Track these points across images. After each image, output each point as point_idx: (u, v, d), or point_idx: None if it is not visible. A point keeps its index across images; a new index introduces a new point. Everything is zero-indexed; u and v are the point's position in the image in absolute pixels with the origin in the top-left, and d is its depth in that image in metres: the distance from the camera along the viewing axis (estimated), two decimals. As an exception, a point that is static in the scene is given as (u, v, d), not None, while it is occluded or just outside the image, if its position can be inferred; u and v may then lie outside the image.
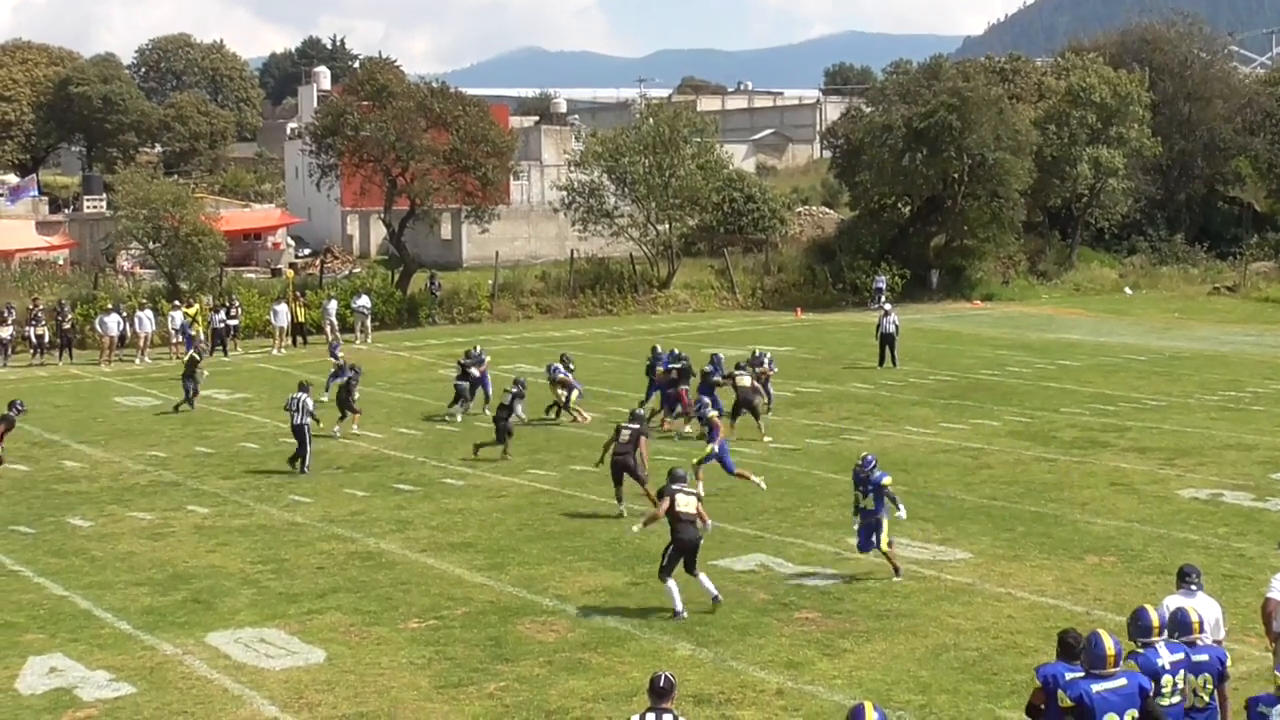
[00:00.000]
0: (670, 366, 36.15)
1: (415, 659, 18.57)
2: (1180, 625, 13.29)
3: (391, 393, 42.49)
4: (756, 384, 34.84)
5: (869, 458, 22.07)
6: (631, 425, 24.72)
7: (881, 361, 45.95)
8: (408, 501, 27.99)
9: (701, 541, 20.56)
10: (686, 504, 20.30)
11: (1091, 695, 11.96)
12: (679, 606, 19.89)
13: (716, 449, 27.86)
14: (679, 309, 66.15)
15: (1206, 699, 13.12)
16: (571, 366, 37.85)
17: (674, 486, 20.54)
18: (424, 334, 58.04)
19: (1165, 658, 12.84)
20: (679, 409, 35.78)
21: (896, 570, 21.74)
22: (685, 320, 62.99)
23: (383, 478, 30.23)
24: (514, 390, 33.53)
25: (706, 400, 32.31)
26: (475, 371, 38.07)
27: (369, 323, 56.18)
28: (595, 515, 26.51)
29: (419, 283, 63.64)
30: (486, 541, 24.64)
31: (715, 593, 20.34)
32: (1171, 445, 32.77)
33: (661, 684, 12.28)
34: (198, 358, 41.65)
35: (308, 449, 30.98)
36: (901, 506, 21.95)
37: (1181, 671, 12.86)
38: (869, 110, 74.35)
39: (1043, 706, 12.48)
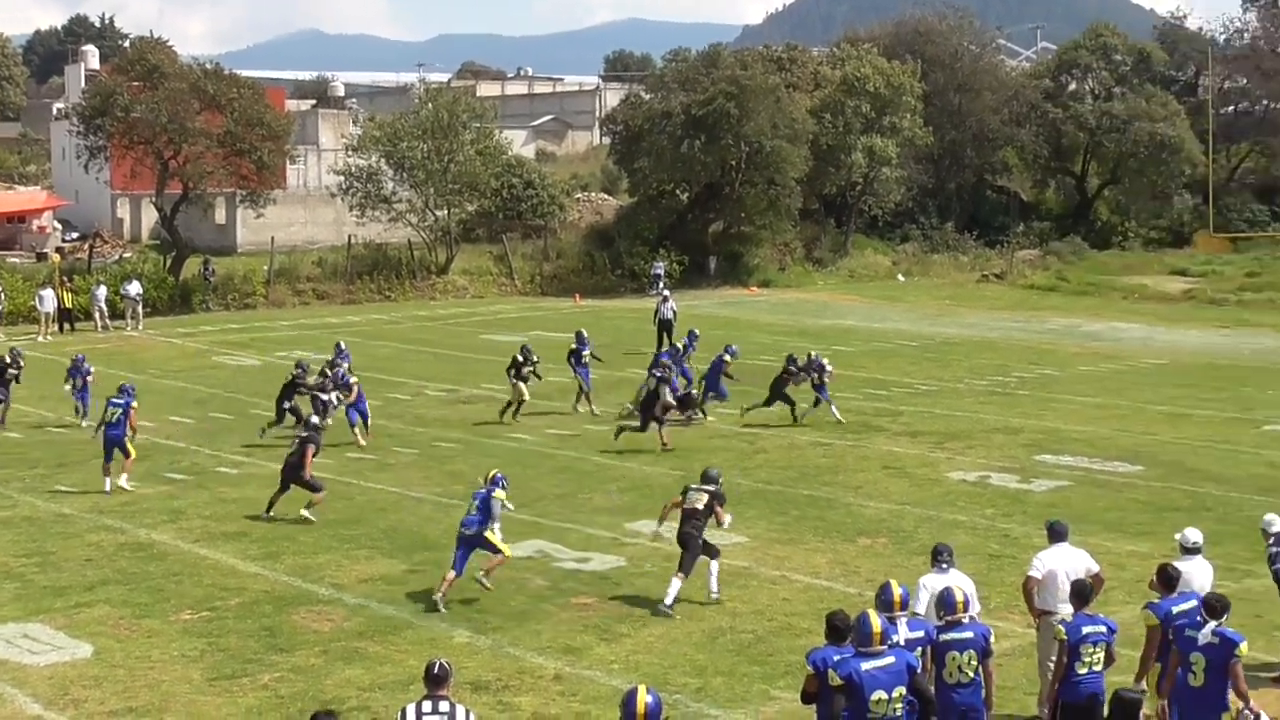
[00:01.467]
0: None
1: (187, 651, 18.25)
2: (946, 605, 13.60)
3: (164, 380, 41.64)
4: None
5: None
6: (706, 488, 22.26)
7: (660, 347, 46.17)
8: (180, 491, 27.47)
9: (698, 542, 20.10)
10: (695, 500, 20.26)
11: (860, 673, 12.15)
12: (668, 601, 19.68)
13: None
14: (458, 295, 65.83)
15: (971, 674, 13.44)
16: (535, 359, 35.58)
17: (692, 485, 20.70)
18: (198, 320, 57.01)
19: (903, 635, 13.11)
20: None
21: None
22: (464, 306, 62.74)
23: (154, 467, 29.56)
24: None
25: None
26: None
27: (140, 309, 54.90)
28: (373, 502, 26.32)
29: (192, 268, 62.44)
30: (261, 530, 24.29)
31: (714, 593, 20.18)
32: (942, 429, 33.47)
33: (436, 671, 12.08)
34: None
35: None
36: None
37: (919, 649, 13.16)
38: (648, 97, 74.63)
39: (813, 691, 12.66)
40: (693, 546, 19.85)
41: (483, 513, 20.10)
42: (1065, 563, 15.75)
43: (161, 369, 43.97)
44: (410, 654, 17.79)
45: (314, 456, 25.17)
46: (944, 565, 15.25)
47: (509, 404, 34.78)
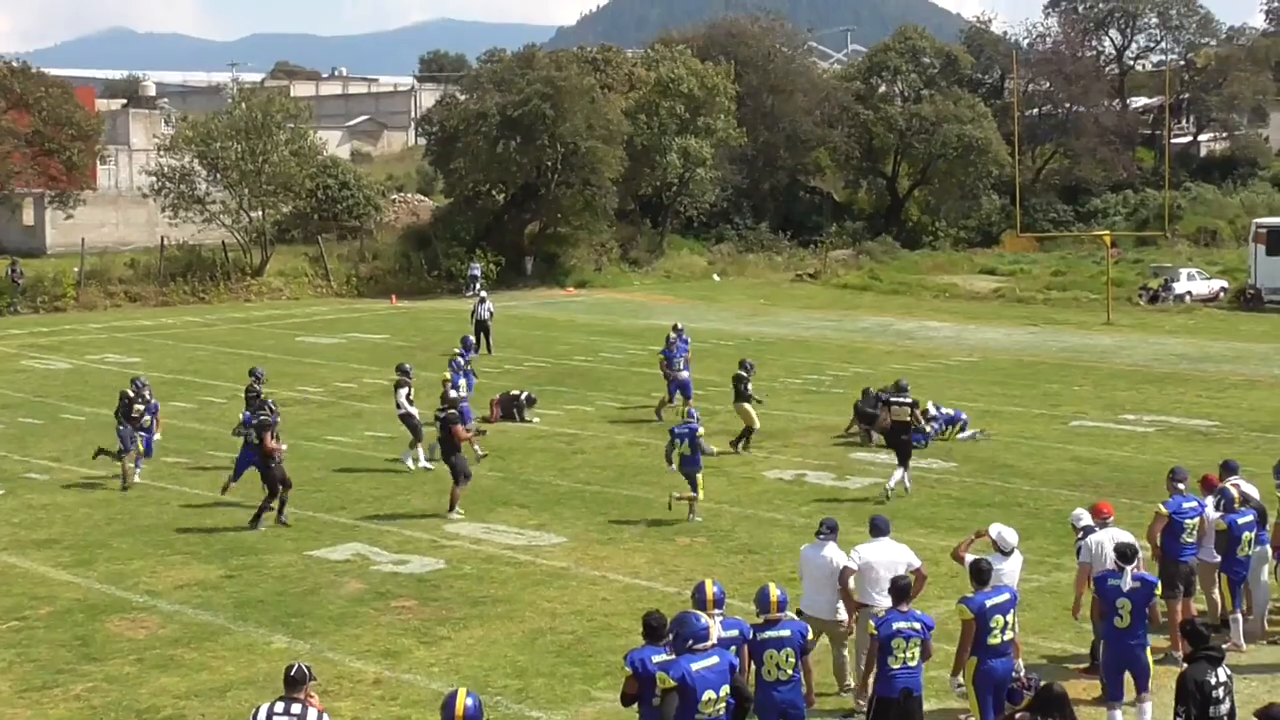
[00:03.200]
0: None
1: (-4, 662, 17.83)
2: (760, 603, 13.74)
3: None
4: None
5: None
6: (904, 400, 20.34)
7: (476, 348, 46.00)
8: (-13, 498, 26.83)
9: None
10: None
11: (692, 674, 12.15)
12: None
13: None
14: (273, 297, 65.08)
15: (790, 672, 13.54)
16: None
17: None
18: (5, 323, 55.64)
19: (716, 633, 13.09)
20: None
21: None
22: (280, 308, 62.02)
23: (-40, 474, 28.89)
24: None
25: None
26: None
27: None
28: (189, 506, 25.89)
29: (0, 269, 61.09)
30: (73, 537, 23.77)
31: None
32: (758, 428, 33.68)
33: (294, 673, 12.04)
34: None
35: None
36: None
37: (734, 647, 13.23)
38: (463, 98, 74.41)
39: (633, 693, 12.63)
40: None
41: None
42: (884, 556, 16.03)
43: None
44: (227, 660, 17.53)
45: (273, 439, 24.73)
46: (824, 536, 16.35)
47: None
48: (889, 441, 27.35)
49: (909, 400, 26.77)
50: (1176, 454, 29.60)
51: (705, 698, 12.15)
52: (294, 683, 11.93)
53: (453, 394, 26.80)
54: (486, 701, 11.70)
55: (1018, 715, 12.87)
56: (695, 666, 12.18)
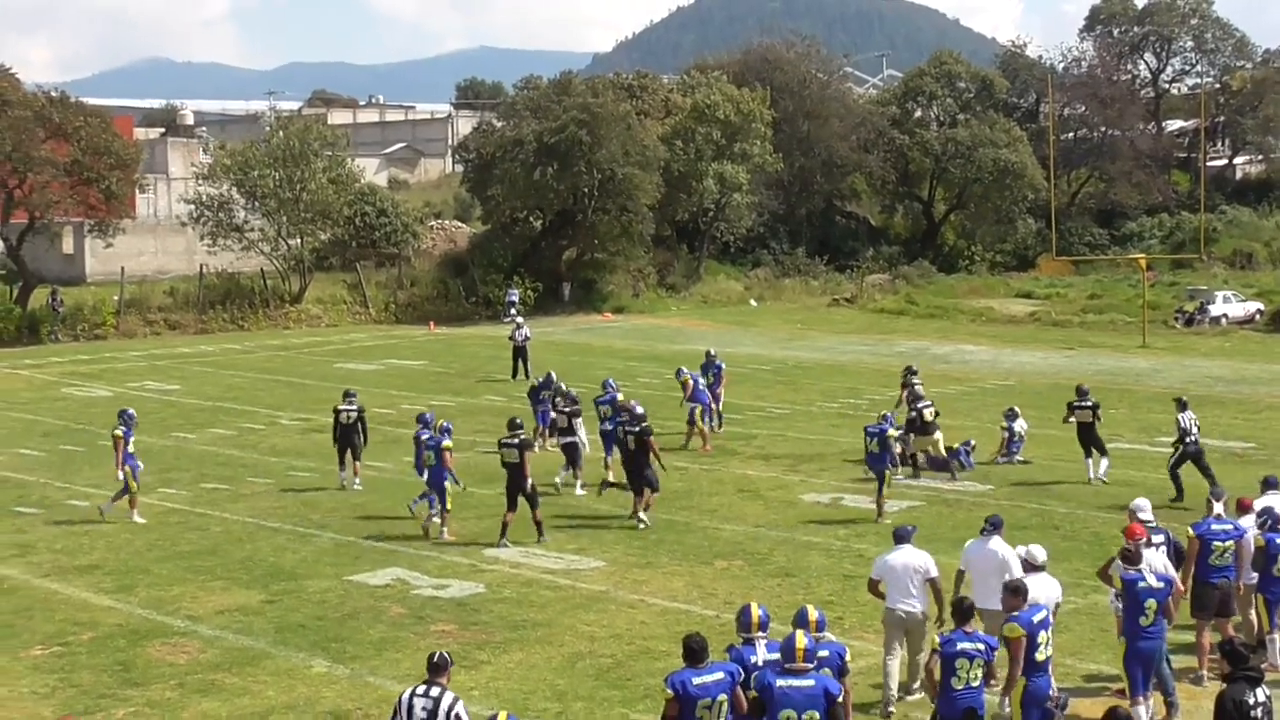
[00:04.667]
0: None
1: (38, 688, 17.90)
2: (785, 653, 13.72)
3: (11, 413, 40.85)
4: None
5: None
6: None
7: (515, 374, 46.09)
8: (29, 525, 26.91)
9: None
10: None
11: (775, 688, 12.44)
12: None
13: None
14: (311, 324, 65.28)
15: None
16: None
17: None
18: (46, 351, 55.99)
19: (761, 655, 13.19)
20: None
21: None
22: (318, 335, 62.19)
23: (2, 500, 29.03)
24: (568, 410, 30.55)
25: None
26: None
27: None
28: (228, 533, 25.99)
29: (40, 298, 61.40)
30: (114, 563, 23.89)
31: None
32: (795, 452, 33.69)
33: (435, 660, 12.89)
34: None
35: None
36: None
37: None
38: (500, 125, 74.64)
39: (674, 715, 12.64)
40: None
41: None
42: (905, 560, 16.89)
43: (8, 401, 43.13)
44: (268, 684, 17.60)
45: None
46: (988, 531, 17.48)
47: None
48: (1081, 440, 30.09)
49: (1091, 403, 29.77)
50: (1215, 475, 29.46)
51: (784, 714, 12.43)
52: (437, 668, 12.86)
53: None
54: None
55: None
56: (780, 684, 12.49)
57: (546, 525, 24.96)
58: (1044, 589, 16.05)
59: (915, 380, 33.21)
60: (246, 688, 17.79)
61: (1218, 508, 18.40)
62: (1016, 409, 33.45)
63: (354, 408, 30.05)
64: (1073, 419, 30.30)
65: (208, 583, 22.62)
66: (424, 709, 12.52)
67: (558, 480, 29.54)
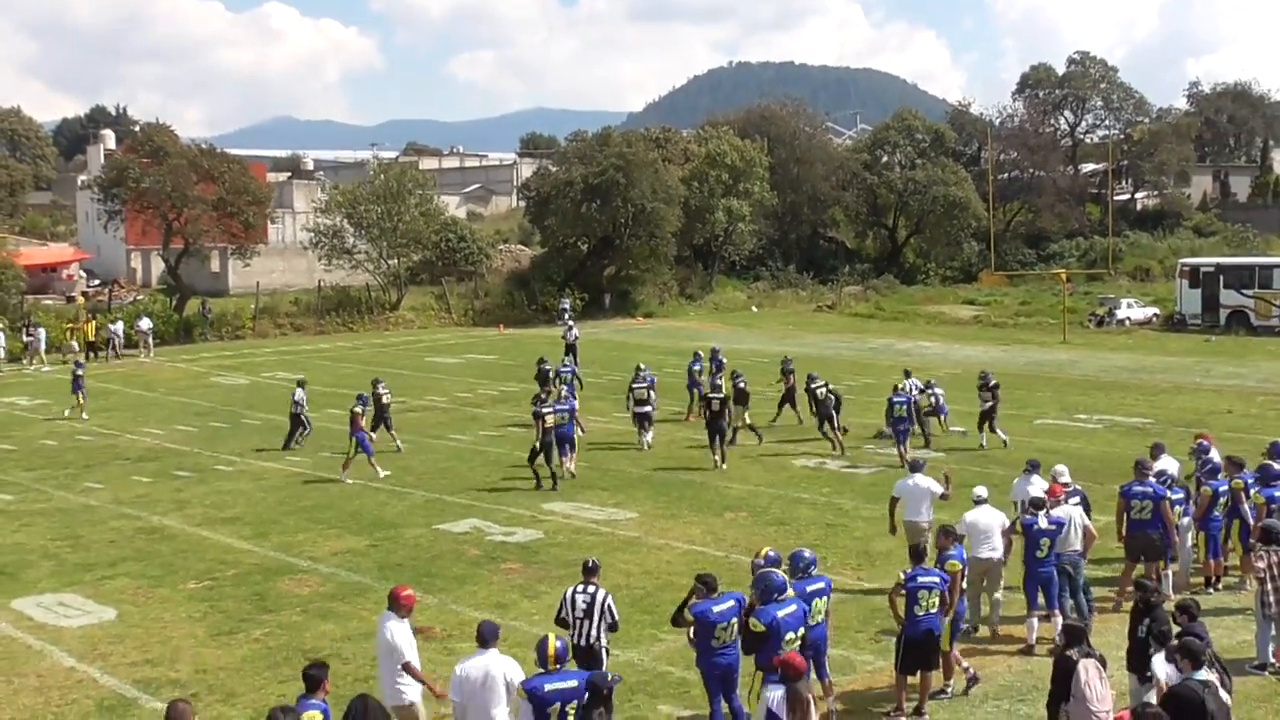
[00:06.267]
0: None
1: (193, 613, 17.98)
2: (795, 563, 13.76)
3: (171, 397, 41.01)
4: None
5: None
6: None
7: (565, 360, 45.87)
8: (185, 485, 27.03)
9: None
10: None
11: (778, 620, 12.49)
12: None
13: None
14: (406, 327, 65.32)
15: (821, 618, 13.55)
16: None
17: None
18: (198, 349, 56.14)
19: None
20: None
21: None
22: (411, 335, 62.22)
23: (164, 466, 29.14)
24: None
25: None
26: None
27: (151, 340, 53.91)
28: (341, 492, 26.02)
29: (193, 307, 61.60)
30: (252, 516, 23.98)
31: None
32: (787, 427, 33.58)
33: (590, 564, 13.55)
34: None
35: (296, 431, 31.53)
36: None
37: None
38: (554, 169, 74.48)
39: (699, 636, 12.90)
40: None
41: None
42: (989, 518, 16.96)
43: (169, 388, 43.29)
44: (373, 611, 17.52)
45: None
46: (1028, 471, 18.86)
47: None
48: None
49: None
50: (1120, 445, 29.35)
51: (788, 637, 12.40)
52: (591, 570, 13.49)
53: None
54: (570, 642, 11.88)
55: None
56: (781, 614, 12.46)
57: (595, 485, 24.94)
58: (994, 517, 16.77)
59: (818, 384, 31.89)
60: (356, 613, 17.82)
61: (1148, 472, 18.34)
62: (932, 381, 33.36)
63: (387, 391, 31.51)
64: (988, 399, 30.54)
65: (325, 531, 22.69)
66: (583, 602, 13.16)
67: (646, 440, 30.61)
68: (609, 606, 13.24)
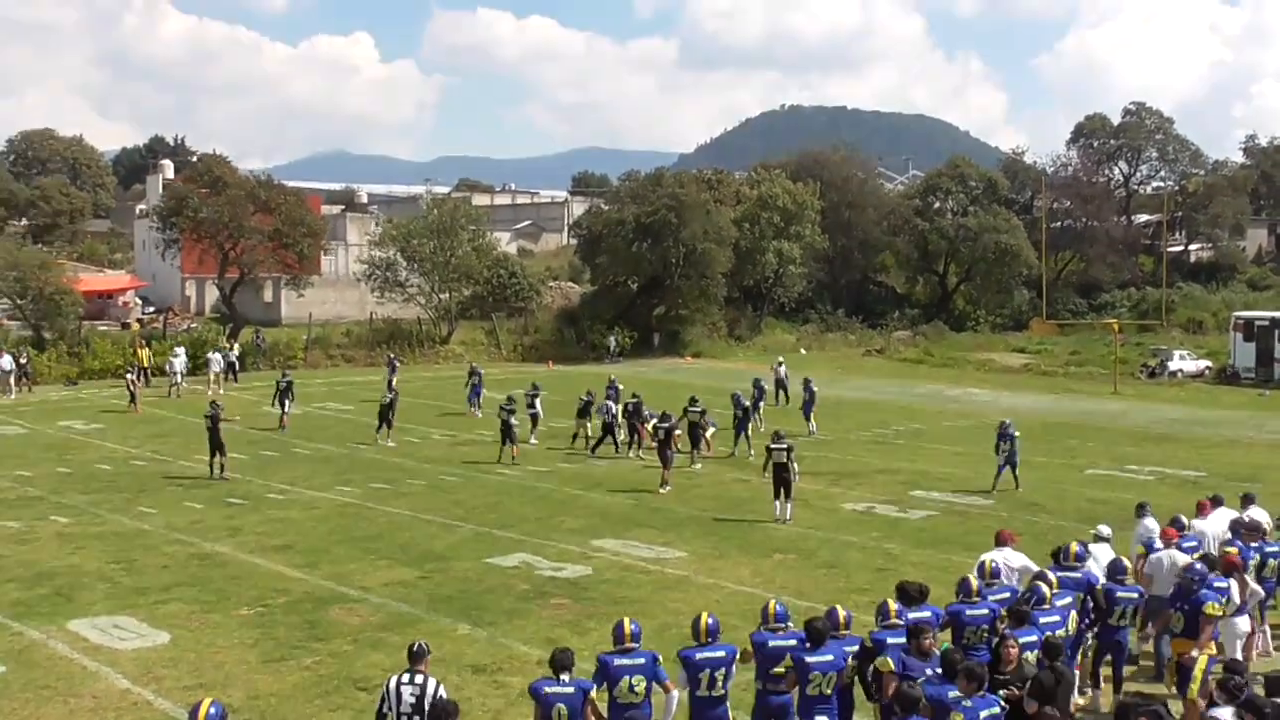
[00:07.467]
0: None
1: (245, 639, 18.06)
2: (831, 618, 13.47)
3: (224, 425, 41.16)
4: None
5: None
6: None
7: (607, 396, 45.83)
8: (237, 513, 27.21)
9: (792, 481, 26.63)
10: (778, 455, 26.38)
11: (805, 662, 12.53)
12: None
13: None
14: (456, 360, 65.45)
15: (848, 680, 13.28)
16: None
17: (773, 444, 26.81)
18: (251, 378, 56.40)
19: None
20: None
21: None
22: (461, 369, 61.96)
23: (216, 493, 29.34)
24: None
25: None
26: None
27: (219, 373, 51.81)
28: (392, 523, 26.14)
29: (247, 336, 62.13)
30: (303, 544, 24.09)
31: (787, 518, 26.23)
32: (836, 470, 33.50)
33: (415, 649, 11.81)
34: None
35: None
36: None
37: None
38: (606, 208, 74.85)
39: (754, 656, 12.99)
40: None
41: None
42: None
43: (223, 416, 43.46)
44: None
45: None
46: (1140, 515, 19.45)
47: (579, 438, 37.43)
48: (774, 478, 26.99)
49: (786, 445, 26.92)
50: (1171, 497, 29.05)
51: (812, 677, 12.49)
52: (416, 656, 11.72)
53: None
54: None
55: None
56: (810, 659, 12.50)
57: (644, 524, 24.89)
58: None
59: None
60: (406, 644, 17.73)
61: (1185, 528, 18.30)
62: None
63: (391, 394, 37.58)
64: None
65: (375, 561, 22.76)
66: (411, 695, 11.33)
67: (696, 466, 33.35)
68: (440, 697, 11.27)
